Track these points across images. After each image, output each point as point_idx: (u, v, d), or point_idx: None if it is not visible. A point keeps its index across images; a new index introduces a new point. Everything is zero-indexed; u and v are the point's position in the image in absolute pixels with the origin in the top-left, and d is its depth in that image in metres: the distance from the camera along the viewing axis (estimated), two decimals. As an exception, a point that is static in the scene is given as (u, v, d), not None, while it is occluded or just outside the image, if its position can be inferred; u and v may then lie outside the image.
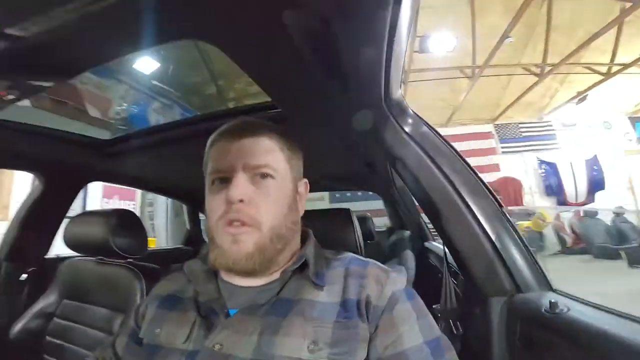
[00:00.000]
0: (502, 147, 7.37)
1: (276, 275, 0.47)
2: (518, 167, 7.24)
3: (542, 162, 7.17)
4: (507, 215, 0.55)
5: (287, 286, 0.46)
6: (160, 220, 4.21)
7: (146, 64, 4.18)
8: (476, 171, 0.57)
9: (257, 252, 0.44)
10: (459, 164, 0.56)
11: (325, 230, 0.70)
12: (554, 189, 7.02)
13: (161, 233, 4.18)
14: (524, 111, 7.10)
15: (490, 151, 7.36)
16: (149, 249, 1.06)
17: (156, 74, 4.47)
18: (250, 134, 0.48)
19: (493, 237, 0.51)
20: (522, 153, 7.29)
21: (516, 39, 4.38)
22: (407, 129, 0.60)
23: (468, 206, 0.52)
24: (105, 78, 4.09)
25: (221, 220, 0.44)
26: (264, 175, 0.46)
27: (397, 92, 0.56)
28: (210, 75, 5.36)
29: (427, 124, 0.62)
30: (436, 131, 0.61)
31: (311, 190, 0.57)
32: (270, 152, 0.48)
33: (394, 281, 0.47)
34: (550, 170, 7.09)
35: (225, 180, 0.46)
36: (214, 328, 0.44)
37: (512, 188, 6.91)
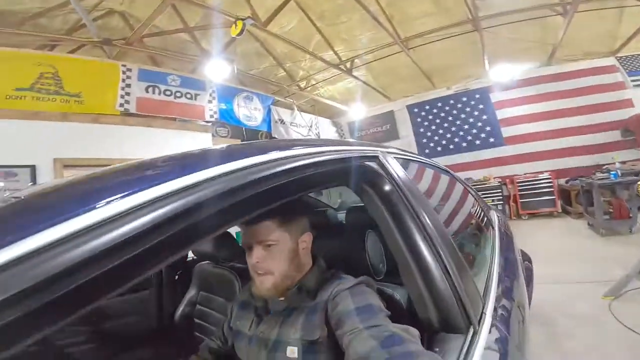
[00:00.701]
0: (633, 81, 5.71)
1: (288, 294, 0.75)
2: (660, 100, 5.55)
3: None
4: (451, 269, 0.67)
5: (295, 299, 0.74)
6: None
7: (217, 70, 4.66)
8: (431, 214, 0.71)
9: (273, 288, 0.73)
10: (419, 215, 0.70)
11: (340, 249, 0.92)
12: None
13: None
14: (654, 40, 5.23)
15: (618, 85, 5.82)
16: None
17: (228, 76, 4.98)
18: (257, 222, 0.72)
19: (432, 283, 0.65)
20: (664, 85, 5.52)
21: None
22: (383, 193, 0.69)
23: (415, 258, 0.66)
24: (193, 89, 4.83)
25: (252, 270, 0.75)
26: (269, 245, 0.72)
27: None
28: (276, 60, 5.69)
29: (404, 189, 0.73)
30: (408, 194, 0.72)
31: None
32: (271, 231, 0.72)
33: (344, 282, 0.71)
34: None
35: (250, 248, 0.74)
36: (261, 322, 0.77)
37: (654, 124, 5.38)
